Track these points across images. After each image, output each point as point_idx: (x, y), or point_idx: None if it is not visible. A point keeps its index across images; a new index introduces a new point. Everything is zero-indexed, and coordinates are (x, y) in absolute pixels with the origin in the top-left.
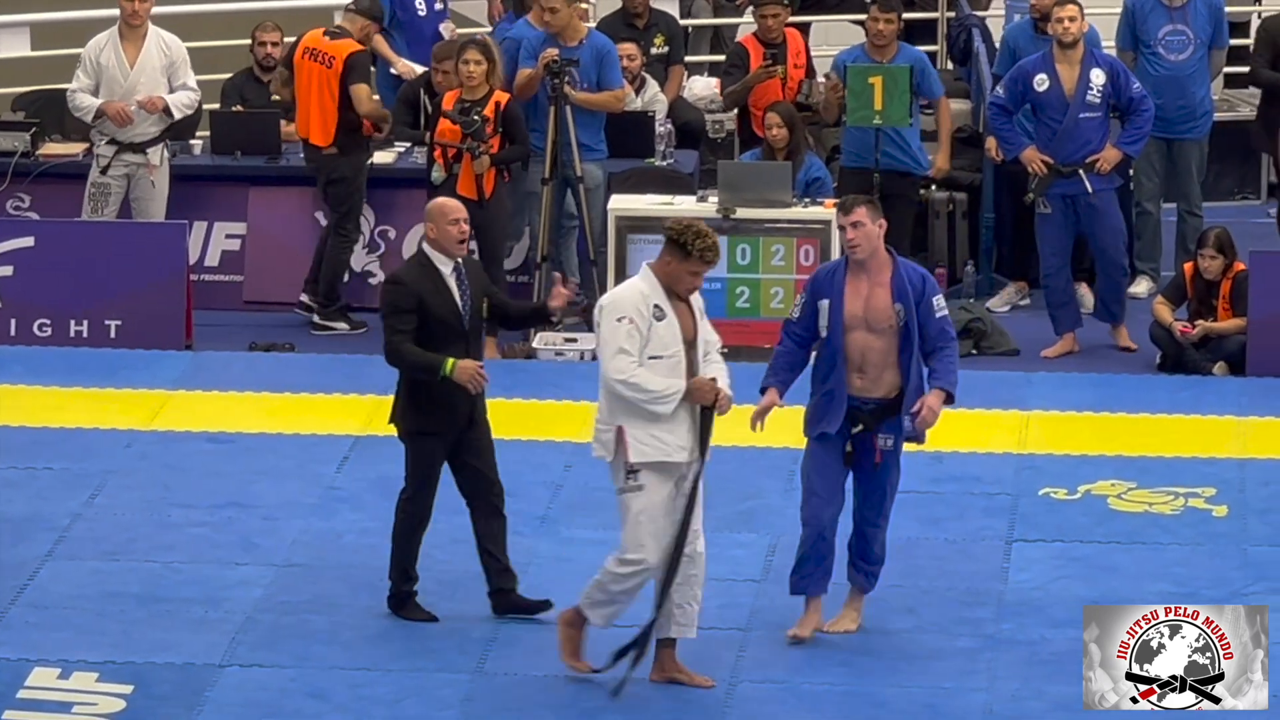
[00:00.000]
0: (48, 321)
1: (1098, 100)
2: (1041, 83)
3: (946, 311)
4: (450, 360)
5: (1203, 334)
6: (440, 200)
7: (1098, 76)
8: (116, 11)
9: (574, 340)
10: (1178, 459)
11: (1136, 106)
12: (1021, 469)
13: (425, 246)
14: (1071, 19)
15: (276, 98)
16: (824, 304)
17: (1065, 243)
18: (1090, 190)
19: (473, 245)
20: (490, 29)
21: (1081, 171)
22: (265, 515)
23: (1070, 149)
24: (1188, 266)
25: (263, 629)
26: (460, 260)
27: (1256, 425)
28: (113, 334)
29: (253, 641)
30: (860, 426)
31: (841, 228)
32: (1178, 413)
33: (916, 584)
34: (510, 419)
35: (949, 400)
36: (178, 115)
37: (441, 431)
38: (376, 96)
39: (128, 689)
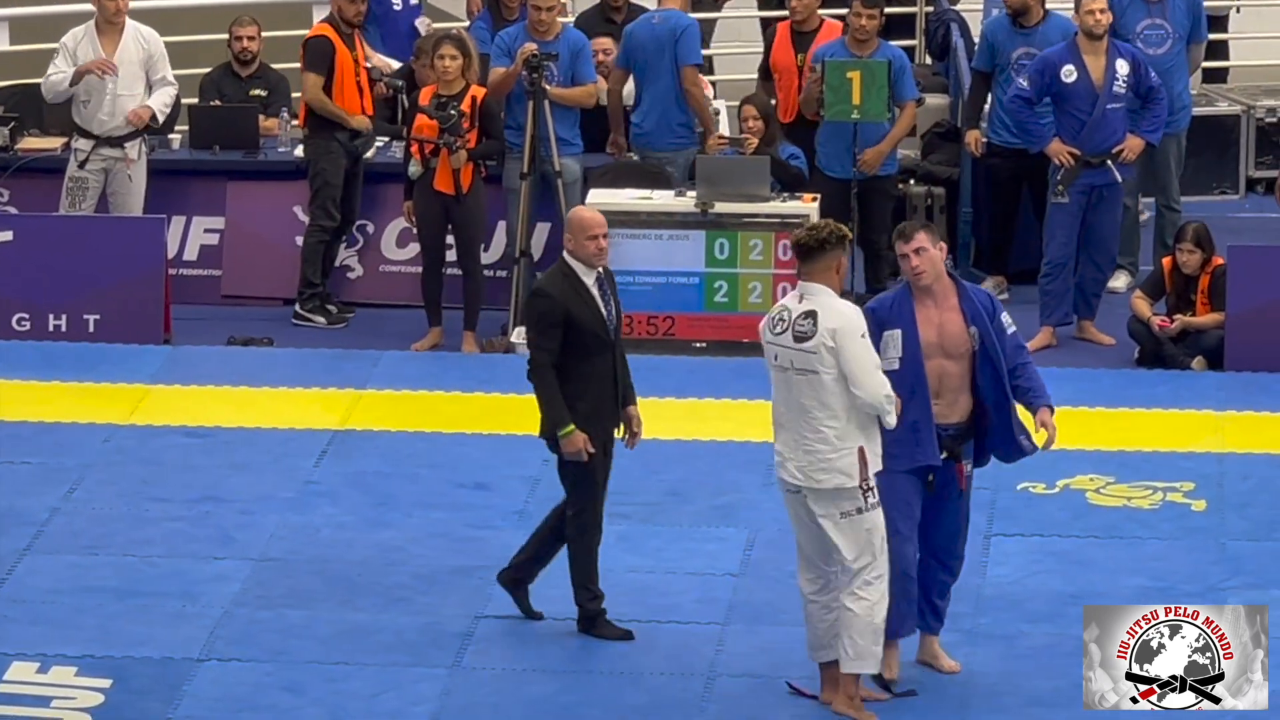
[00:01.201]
0: (26, 316)
1: (1123, 90)
2: (1069, 74)
3: (1015, 327)
4: (573, 426)
5: (1181, 328)
6: (580, 214)
7: (1123, 67)
8: (93, 5)
9: None
10: (1156, 453)
11: (1154, 96)
12: (999, 464)
13: (566, 256)
14: (1102, 10)
15: (255, 92)
16: (894, 335)
17: (1075, 233)
18: (1119, 179)
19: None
20: (467, 24)
21: (1109, 162)
22: (243, 509)
23: (1098, 139)
24: (1166, 261)
25: (240, 623)
26: (601, 270)
27: (1235, 419)
28: (91, 328)
29: (230, 636)
30: (945, 454)
31: (904, 255)
32: (1156, 407)
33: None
34: (488, 413)
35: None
36: (162, 119)
37: (595, 438)
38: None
39: (106, 683)
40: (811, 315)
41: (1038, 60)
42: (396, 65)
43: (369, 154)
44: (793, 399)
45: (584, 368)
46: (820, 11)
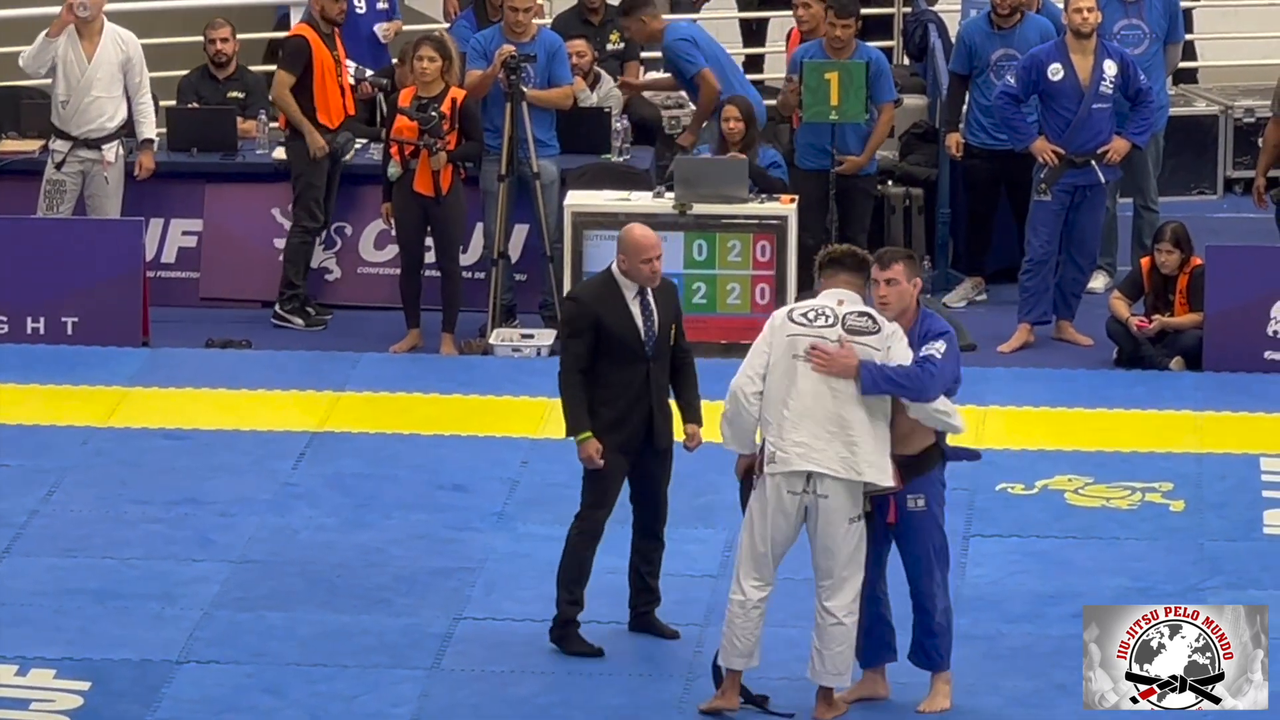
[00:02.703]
0: (4, 318)
1: (1110, 90)
2: (1056, 72)
3: (934, 352)
4: (587, 434)
5: (1159, 329)
6: (635, 232)
7: (1110, 67)
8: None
9: (530, 337)
10: (1135, 454)
11: (1143, 98)
12: (977, 465)
13: (614, 269)
14: (1090, 9)
15: (232, 95)
16: None
17: (1058, 232)
18: (1103, 180)
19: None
20: (446, 26)
21: (1094, 162)
22: (221, 511)
23: (1083, 139)
24: (1144, 261)
25: (219, 625)
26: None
27: (1213, 420)
28: (69, 331)
29: (209, 638)
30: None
31: (875, 281)
32: (1134, 407)
33: None
34: (467, 414)
35: None
36: (153, 135)
37: (618, 447)
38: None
39: (85, 685)
40: (867, 315)
41: (1026, 58)
42: (353, 67)
43: (348, 156)
44: (823, 390)
45: (614, 375)
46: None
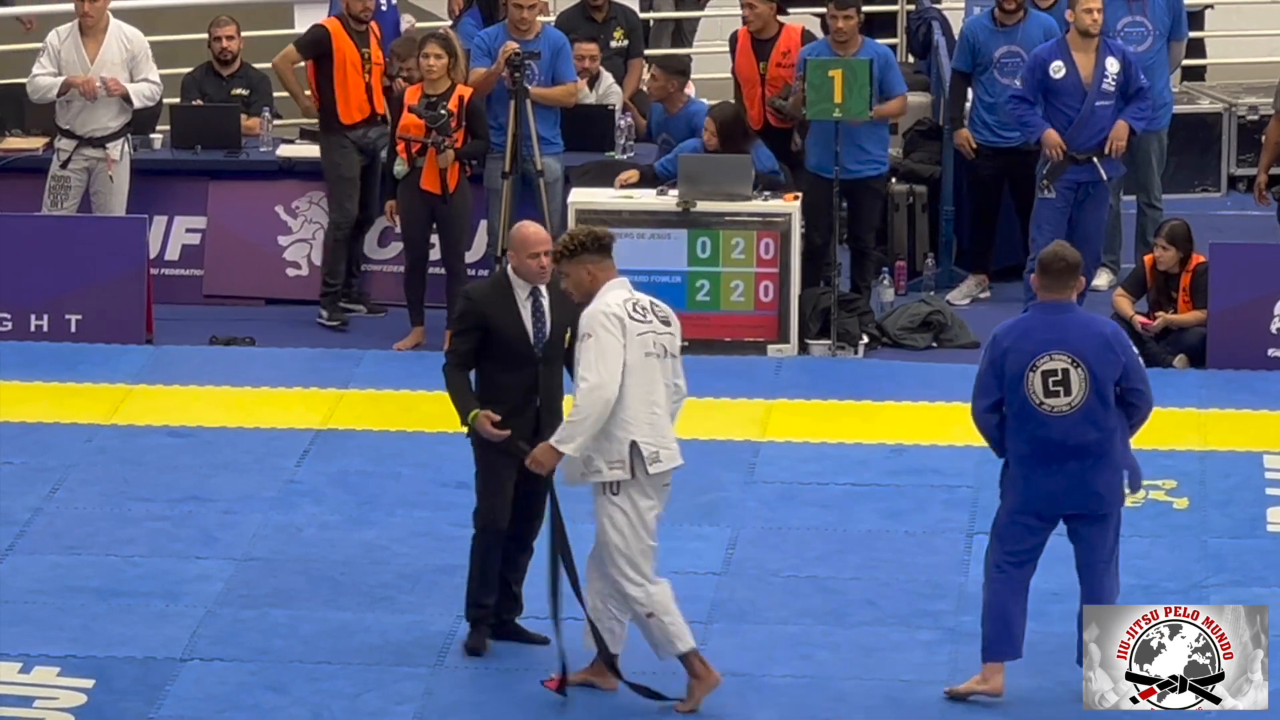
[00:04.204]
0: (8, 316)
1: (1112, 88)
2: (1058, 70)
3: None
4: (475, 412)
5: (1163, 326)
6: (523, 230)
7: (1113, 65)
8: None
9: None
10: (1138, 451)
11: (1142, 98)
12: (982, 462)
13: (508, 268)
14: (1098, 10)
15: (236, 92)
16: None
17: (1062, 229)
18: (1105, 178)
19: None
20: (450, 23)
21: (1096, 159)
22: (225, 509)
23: (1086, 136)
24: (1148, 259)
25: (223, 623)
26: (544, 287)
27: (1217, 417)
28: (73, 328)
29: (213, 635)
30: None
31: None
32: None
33: (876, 576)
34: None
35: None
36: (137, 104)
37: (504, 448)
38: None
39: (88, 683)
40: (651, 300)
41: (1030, 58)
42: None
43: (382, 153)
44: (660, 383)
45: (501, 376)
46: (781, 16)
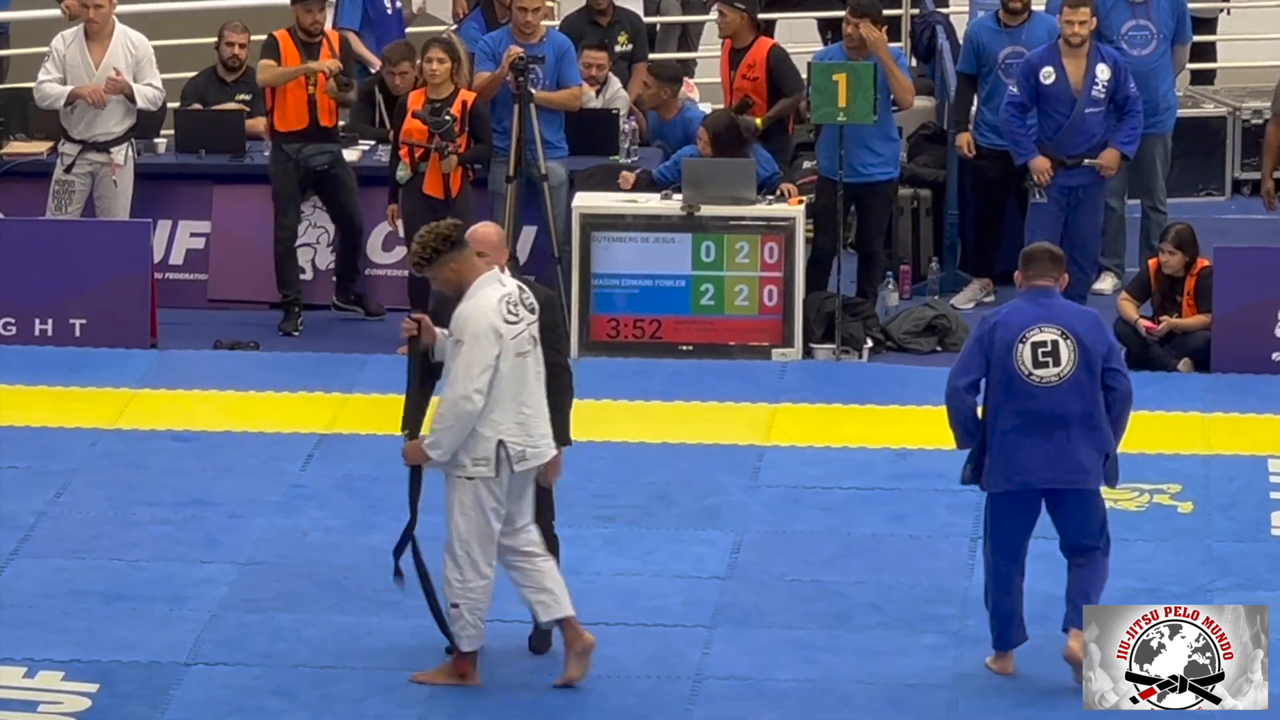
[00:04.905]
0: (12, 320)
1: (1102, 95)
2: (1048, 75)
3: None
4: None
5: (1167, 330)
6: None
7: (1103, 72)
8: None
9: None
10: (1142, 455)
11: (1131, 106)
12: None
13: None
14: (1082, 22)
15: (241, 97)
16: None
17: (1056, 233)
18: (1097, 179)
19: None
20: (455, 27)
21: (1087, 162)
22: (230, 513)
23: (1075, 142)
24: (1152, 262)
25: (227, 627)
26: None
27: (1221, 421)
28: (77, 332)
29: (217, 639)
30: None
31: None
32: (1142, 409)
33: (881, 580)
34: None
35: None
36: (140, 104)
37: None
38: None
39: (93, 687)
40: (525, 290)
41: (1023, 63)
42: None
43: (354, 157)
44: (531, 380)
45: None
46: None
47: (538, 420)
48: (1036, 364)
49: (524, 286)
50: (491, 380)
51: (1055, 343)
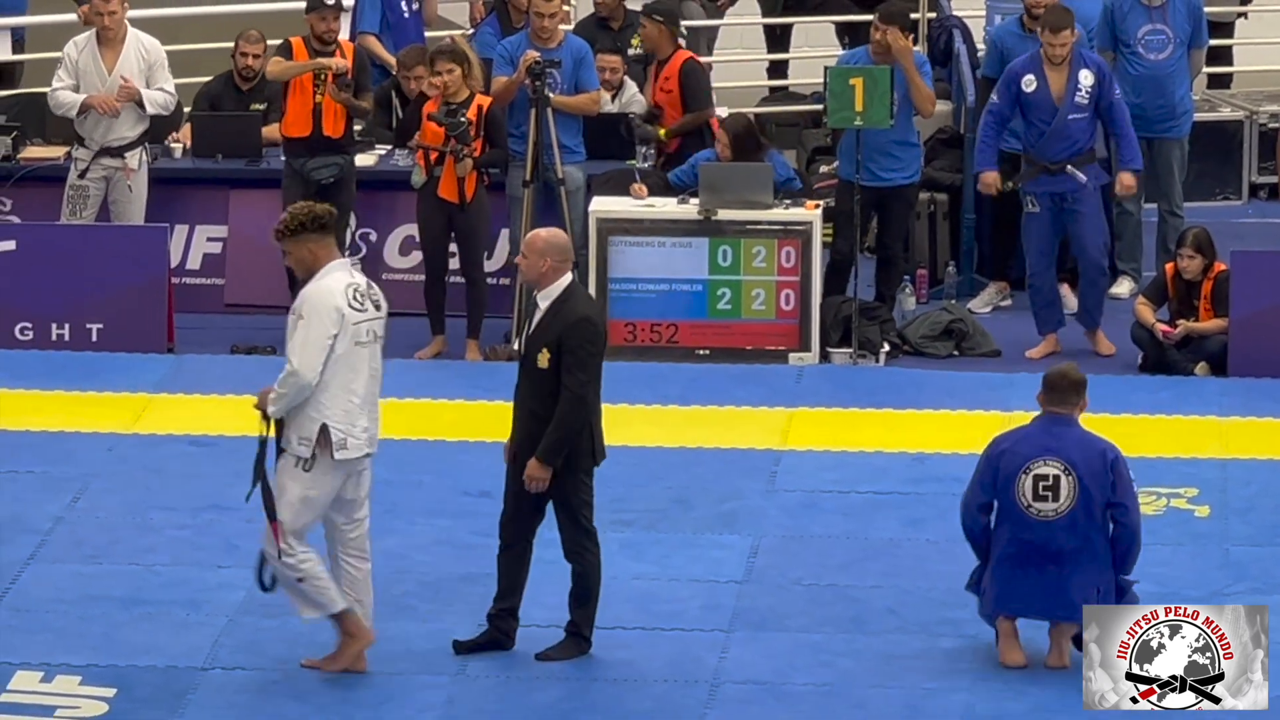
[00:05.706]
0: (29, 325)
1: (1086, 101)
2: (1029, 84)
3: None
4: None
5: (1184, 334)
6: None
7: (1086, 78)
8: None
9: None
10: (1160, 459)
11: (1114, 114)
12: None
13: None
14: (1063, 44)
15: (256, 107)
16: None
17: (1051, 242)
18: (1082, 183)
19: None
20: (471, 31)
21: (1070, 167)
22: (247, 518)
23: (1059, 149)
24: (1169, 267)
25: (245, 631)
26: (540, 299)
27: (1238, 425)
28: (94, 337)
29: (235, 644)
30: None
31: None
32: (1159, 413)
33: (898, 584)
34: (492, 420)
35: None
36: (150, 109)
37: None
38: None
39: (110, 692)
40: (369, 283)
41: (1005, 72)
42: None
43: (371, 161)
44: (364, 372)
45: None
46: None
47: (364, 413)
48: (1037, 497)
49: (372, 284)
50: (326, 360)
51: (1057, 478)
